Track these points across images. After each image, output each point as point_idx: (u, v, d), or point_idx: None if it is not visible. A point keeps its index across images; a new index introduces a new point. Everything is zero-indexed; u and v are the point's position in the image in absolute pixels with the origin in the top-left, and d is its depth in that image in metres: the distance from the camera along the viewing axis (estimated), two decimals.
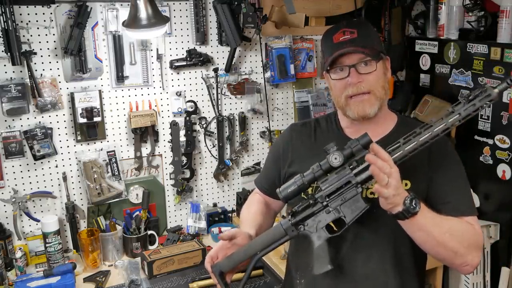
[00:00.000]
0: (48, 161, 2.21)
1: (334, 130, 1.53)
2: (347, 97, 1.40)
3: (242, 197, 2.54)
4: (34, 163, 2.17)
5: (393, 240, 1.39)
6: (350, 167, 1.30)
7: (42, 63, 2.12)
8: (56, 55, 2.14)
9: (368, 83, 1.37)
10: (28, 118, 2.13)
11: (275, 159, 1.62)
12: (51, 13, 2.09)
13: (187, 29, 2.37)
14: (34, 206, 2.21)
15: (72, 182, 2.27)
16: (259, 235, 1.45)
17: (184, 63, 2.38)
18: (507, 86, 1.24)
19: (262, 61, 2.54)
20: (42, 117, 2.16)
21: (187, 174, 2.48)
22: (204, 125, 2.49)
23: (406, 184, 1.37)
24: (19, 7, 2.03)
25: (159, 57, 2.33)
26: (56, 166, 2.23)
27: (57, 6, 2.09)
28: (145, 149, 2.39)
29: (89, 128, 2.24)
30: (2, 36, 1.97)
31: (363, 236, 1.40)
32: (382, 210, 1.27)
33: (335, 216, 1.33)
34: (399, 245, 1.39)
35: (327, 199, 1.33)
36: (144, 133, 2.36)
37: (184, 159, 2.45)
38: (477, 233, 1.35)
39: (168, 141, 2.42)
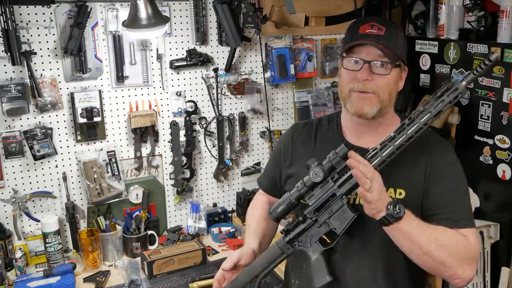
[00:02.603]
0: (48, 161, 2.20)
1: (334, 133, 1.51)
2: (351, 90, 1.37)
3: (242, 197, 2.54)
4: (34, 163, 2.17)
5: (384, 249, 1.38)
6: (333, 179, 1.30)
7: (42, 63, 2.12)
8: (56, 55, 2.14)
9: (376, 84, 1.34)
10: (28, 118, 2.13)
11: (276, 158, 1.62)
12: (51, 13, 2.09)
13: (187, 29, 2.37)
14: (34, 206, 2.21)
15: (72, 182, 2.27)
16: (260, 254, 1.48)
17: (184, 63, 2.38)
18: (474, 77, 1.24)
19: (262, 61, 2.54)
20: (42, 117, 2.16)
21: (187, 174, 2.47)
22: (204, 125, 2.49)
23: (400, 193, 1.36)
24: (19, 7, 2.03)
25: (159, 57, 2.33)
26: (56, 166, 2.23)
27: (57, 6, 2.09)
28: (145, 149, 2.39)
29: (89, 128, 2.24)
30: (2, 36, 1.97)
31: (352, 246, 1.39)
32: (372, 224, 1.27)
33: (326, 230, 1.34)
34: (390, 255, 1.38)
35: (316, 214, 1.34)
36: (144, 133, 2.36)
37: (184, 159, 2.45)
38: (471, 245, 1.31)
39: (168, 141, 2.42)
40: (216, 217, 2.55)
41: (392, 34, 1.37)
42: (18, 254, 2.10)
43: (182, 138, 2.43)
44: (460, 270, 1.27)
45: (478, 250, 1.34)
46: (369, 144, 1.35)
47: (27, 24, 2.06)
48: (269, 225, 1.61)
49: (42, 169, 2.20)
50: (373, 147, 1.29)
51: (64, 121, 2.21)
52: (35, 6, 2.06)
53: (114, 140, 2.32)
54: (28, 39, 2.07)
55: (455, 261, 1.26)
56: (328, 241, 1.36)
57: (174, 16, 2.33)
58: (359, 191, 1.20)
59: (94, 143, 2.28)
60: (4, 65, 2.05)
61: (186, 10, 2.35)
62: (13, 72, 2.08)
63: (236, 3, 2.33)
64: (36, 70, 2.10)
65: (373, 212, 1.23)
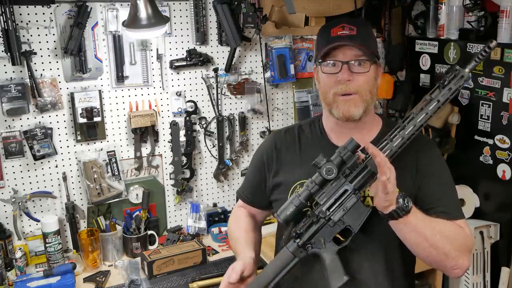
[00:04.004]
0: (48, 161, 2.20)
1: (318, 137, 1.50)
2: (336, 95, 1.36)
3: None
4: (34, 163, 2.17)
5: (383, 247, 1.38)
6: (344, 175, 1.29)
7: (42, 63, 2.12)
8: (56, 55, 2.14)
9: (357, 83, 1.35)
10: (28, 118, 2.13)
11: (259, 168, 1.56)
12: (51, 13, 2.09)
13: (187, 29, 2.37)
14: (34, 206, 2.21)
15: (72, 182, 2.27)
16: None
17: (184, 63, 2.38)
18: (476, 64, 1.27)
19: (262, 61, 2.54)
20: (42, 117, 2.16)
21: (187, 174, 2.48)
22: (204, 125, 2.49)
23: None
24: (19, 7, 2.03)
25: (159, 57, 2.33)
26: (56, 166, 2.23)
27: (57, 6, 2.09)
28: (145, 149, 2.39)
29: (89, 128, 2.24)
30: (2, 36, 1.97)
31: (353, 245, 1.37)
32: (373, 220, 1.27)
33: (340, 228, 1.31)
34: (389, 252, 1.39)
35: (328, 213, 1.30)
36: (144, 133, 2.36)
37: (184, 159, 2.45)
38: (467, 235, 1.34)
39: (168, 141, 2.42)
40: (216, 217, 2.55)
41: (363, 32, 1.38)
42: (18, 254, 2.10)
43: (182, 138, 2.43)
44: (460, 261, 1.29)
45: (473, 240, 1.37)
46: None
47: (27, 24, 2.06)
48: (256, 236, 1.59)
49: (42, 169, 2.20)
50: (384, 138, 1.29)
51: (64, 121, 2.21)
52: (35, 6, 2.06)
53: (114, 140, 2.32)
54: (28, 39, 2.07)
55: (457, 251, 1.28)
56: (342, 239, 1.34)
57: (174, 16, 2.34)
58: (382, 180, 1.18)
59: (94, 143, 2.28)
60: (4, 65, 2.05)
61: (186, 10, 2.35)
62: (13, 72, 2.08)
63: (236, 3, 2.33)
64: (36, 70, 2.10)
65: (386, 205, 1.22)
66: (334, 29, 1.37)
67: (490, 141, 2.27)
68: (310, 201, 1.33)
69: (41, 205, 2.22)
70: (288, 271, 1.35)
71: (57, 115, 2.19)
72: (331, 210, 1.30)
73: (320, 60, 1.39)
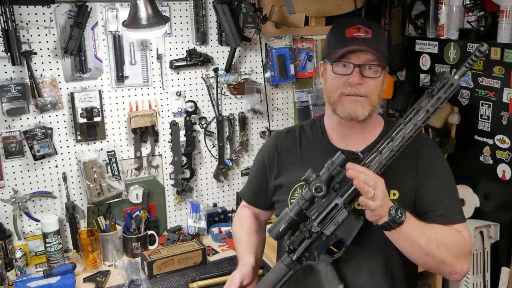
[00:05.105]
0: (48, 161, 2.20)
1: (319, 138, 1.48)
2: (342, 95, 1.35)
3: None
4: (34, 163, 2.17)
5: (382, 251, 1.37)
6: (334, 190, 1.28)
7: (42, 63, 2.12)
8: (56, 55, 2.14)
9: (368, 87, 1.33)
10: (28, 118, 2.13)
11: (261, 169, 1.57)
12: (51, 13, 2.09)
13: (187, 29, 2.37)
14: (34, 206, 2.21)
15: (72, 182, 2.27)
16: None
17: (184, 63, 2.38)
18: (466, 70, 1.25)
19: (262, 61, 2.54)
20: (42, 117, 2.16)
21: (187, 174, 2.48)
22: (204, 125, 2.49)
23: (394, 194, 1.35)
24: (19, 7, 2.03)
25: (159, 57, 2.33)
26: (56, 166, 2.23)
27: (57, 6, 2.09)
28: (145, 149, 2.39)
29: (89, 128, 2.24)
30: (2, 36, 1.97)
31: (350, 250, 1.36)
32: (371, 224, 1.26)
33: (333, 240, 1.31)
34: (388, 256, 1.38)
35: (320, 227, 1.31)
36: (144, 133, 2.36)
37: (184, 159, 2.45)
38: (466, 240, 1.33)
39: (168, 141, 2.42)
40: (216, 217, 2.55)
41: (378, 35, 1.37)
42: (18, 254, 2.10)
43: (182, 138, 2.43)
44: (459, 266, 1.29)
45: (472, 244, 1.36)
46: (357, 146, 1.35)
47: (27, 24, 2.06)
48: (260, 237, 1.59)
49: (42, 169, 2.20)
50: (373, 150, 1.27)
51: (64, 121, 2.21)
52: (35, 6, 2.06)
53: (114, 140, 2.32)
54: (28, 39, 2.07)
55: (454, 257, 1.28)
56: (335, 250, 1.34)
57: (174, 16, 2.33)
58: (361, 201, 1.18)
59: (94, 143, 2.28)
60: (4, 65, 2.05)
61: (186, 10, 2.35)
62: (13, 72, 2.08)
63: (236, 3, 2.33)
64: (36, 70, 2.10)
65: (376, 219, 1.21)
66: (349, 29, 1.34)
67: (490, 141, 2.27)
68: (302, 215, 1.33)
69: (41, 205, 2.22)
70: (283, 284, 1.37)
71: (57, 115, 2.19)
72: (323, 225, 1.31)
73: (333, 61, 1.37)
